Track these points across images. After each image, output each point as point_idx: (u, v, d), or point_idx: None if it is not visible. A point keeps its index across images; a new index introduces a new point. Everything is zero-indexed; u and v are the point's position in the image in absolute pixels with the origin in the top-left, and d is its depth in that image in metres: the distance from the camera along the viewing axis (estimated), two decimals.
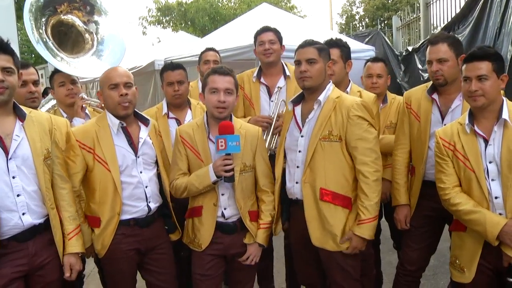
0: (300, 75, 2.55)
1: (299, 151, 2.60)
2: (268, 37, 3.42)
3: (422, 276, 2.98)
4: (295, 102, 2.69)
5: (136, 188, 2.55)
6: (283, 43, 3.51)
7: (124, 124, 2.56)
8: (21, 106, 2.26)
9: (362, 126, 2.48)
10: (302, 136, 2.59)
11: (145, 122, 2.66)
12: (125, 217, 2.55)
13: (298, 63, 2.58)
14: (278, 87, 3.42)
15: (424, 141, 2.77)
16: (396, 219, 2.92)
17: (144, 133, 2.62)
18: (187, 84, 3.31)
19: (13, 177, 2.14)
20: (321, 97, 2.56)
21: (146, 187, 2.58)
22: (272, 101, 3.40)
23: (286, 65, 3.51)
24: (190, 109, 3.35)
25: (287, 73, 3.45)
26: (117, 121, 2.54)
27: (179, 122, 3.24)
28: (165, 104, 3.31)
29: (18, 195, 2.15)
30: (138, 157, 2.57)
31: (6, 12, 5.12)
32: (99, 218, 2.53)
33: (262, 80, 3.46)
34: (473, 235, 2.34)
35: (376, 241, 3.51)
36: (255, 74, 3.49)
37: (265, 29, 3.49)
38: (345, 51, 3.18)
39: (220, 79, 2.52)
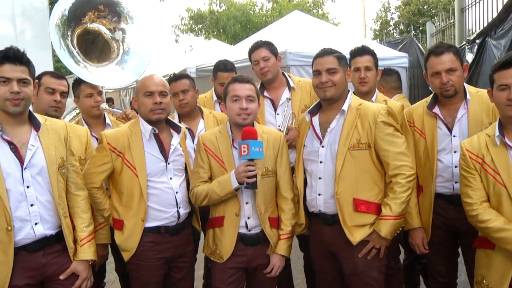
0: (321, 86, 2.49)
1: (320, 162, 2.53)
2: (260, 55, 3.30)
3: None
4: (312, 112, 2.62)
5: (166, 194, 2.57)
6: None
7: (157, 131, 2.58)
8: (36, 115, 2.28)
9: (389, 131, 2.42)
10: (323, 147, 2.53)
11: (177, 129, 2.68)
12: (155, 223, 2.56)
13: (317, 73, 2.51)
14: (288, 98, 3.32)
15: (432, 159, 2.65)
16: (413, 244, 2.74)
17: (175, 140, 2.65)
18: (193, 92, 3.27)
19: (27, 187, 2.15)
20: (344, 106, 2.50)
21: (176, 193, 2.59)
22: (278, 114, 3.31)
23: (289, 76, 3.43)
24: (203, 118, 3.33)
25: (292, 84, 3.36)
26: (149, 127, 2.57)
27: (191, 132, 3.22)
28: (176, 115, 3.32)
29: (31, 205, 2.16)
30: (168, 163, 2.58)
31: (41, 24, 5.25)
32: (122, 221, 2.56)
33: (265, 94, 3.37)
34: (503, 253, 2.20)
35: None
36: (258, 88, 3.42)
37: (257, 46, 3.36)
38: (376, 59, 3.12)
39: (241, 87, 2.52)
